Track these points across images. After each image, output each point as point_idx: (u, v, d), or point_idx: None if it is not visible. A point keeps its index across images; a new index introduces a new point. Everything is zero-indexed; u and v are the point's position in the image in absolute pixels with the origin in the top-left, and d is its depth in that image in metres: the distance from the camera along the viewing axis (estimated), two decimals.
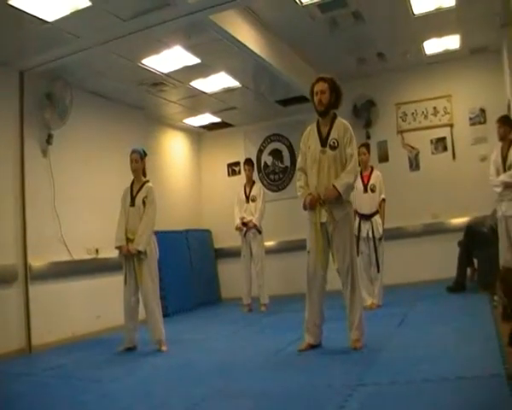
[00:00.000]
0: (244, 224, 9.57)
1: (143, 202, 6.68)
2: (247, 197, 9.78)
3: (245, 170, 10.05)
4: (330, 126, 5.57)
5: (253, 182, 10.00)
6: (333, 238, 5.43)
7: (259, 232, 9.60)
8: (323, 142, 5.51)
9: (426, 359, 4.61)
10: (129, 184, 6.92)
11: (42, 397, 4.80)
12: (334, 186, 5.32)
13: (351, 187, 5.46)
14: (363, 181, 8.09)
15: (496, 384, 3.60)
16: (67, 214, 8.13)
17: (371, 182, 8.14)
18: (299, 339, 5.77)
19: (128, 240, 6.67)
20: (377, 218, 8.08)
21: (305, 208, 5.50)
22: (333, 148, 5.46)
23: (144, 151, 6.95)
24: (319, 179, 5.45)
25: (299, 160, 5.75)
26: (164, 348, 6.51)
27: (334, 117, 5.63)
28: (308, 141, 5.64)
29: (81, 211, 8.41)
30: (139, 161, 6.84)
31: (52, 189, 7.98)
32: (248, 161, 10.12)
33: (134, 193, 6.80)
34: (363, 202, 8.04)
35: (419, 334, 5.73)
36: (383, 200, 8.17)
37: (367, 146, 8.37)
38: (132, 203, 6.74)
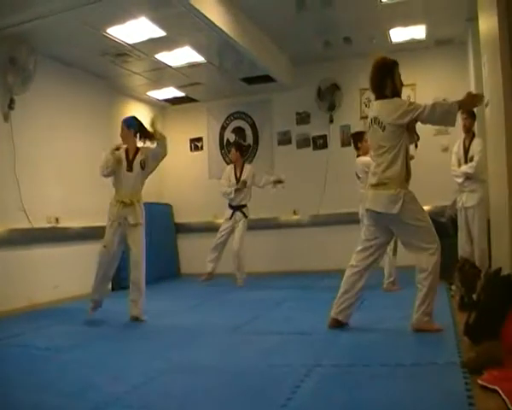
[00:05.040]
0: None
1: (141, 166, 6.63)
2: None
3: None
4: None
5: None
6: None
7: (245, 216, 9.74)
8: None
9: (383, 343, 4.72)
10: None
11: None
12: None
13: None
14: None
15: (451, 372, 3.69)
16: (28, 181, 8.04)
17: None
18: (256, 318, 5.83)
19: (123, 203, 6.58)
20: None
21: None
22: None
23: (132, 120, 6.84)
24: None
25: None
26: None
27: None
28: None
29: (42, 179, 8.32)
30: (124, 130, 6.75)
31: (13, 154, 7.88)
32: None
33: (130, 157, 6.71)
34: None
35: (377, 318, 5.79)
36: None
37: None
38: (130, 168, 6.65)
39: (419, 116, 5.10)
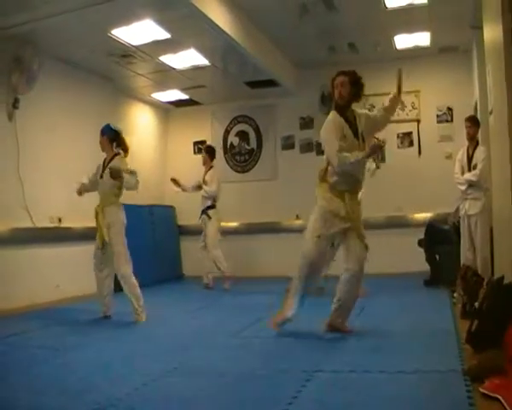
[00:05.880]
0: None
1: (110, 174, 6.66)
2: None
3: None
4: (355, 119, 5.52)
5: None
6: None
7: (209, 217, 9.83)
8: (356, 134, 5.47)
9: (384, 350, 4.71)
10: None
11: None
12: None
13: None
14: None
15: (452, 380, 3.68)
16: (31, 181, 8.06)
17: None
18: (258, 321, 5.84)
19: (96, 213, 6.75)
20: None
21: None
22: (363, 141, 5.48)
23: (108, 127, 6.98)
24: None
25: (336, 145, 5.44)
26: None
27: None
28: (343, 131, 5.48)
29: (46, 179, 8.32)
30: (100, 138, 6.93)
31: (17, 153, 7.91)
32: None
33: (105, 164, 6.86)
34: None
35: (378, 325, 5.80)
36: None
37: None
38: (101, 175, 6.81)
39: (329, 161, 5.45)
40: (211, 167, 10.04)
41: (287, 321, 5.52)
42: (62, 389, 3.89)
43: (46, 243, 8.07)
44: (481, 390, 3.34)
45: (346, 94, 5.44)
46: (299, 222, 11.20)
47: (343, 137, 5.37)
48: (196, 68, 9.85)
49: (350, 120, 5.48)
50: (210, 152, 10.24)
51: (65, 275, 8.28)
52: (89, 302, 7.15)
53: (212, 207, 9.84)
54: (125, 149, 6.96)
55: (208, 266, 9.81)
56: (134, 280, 6.67)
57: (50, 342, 5.64)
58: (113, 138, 6.92)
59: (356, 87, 5.49)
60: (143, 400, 3.64)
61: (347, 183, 5.43)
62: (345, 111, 5.49)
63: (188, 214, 11.57)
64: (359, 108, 5.71)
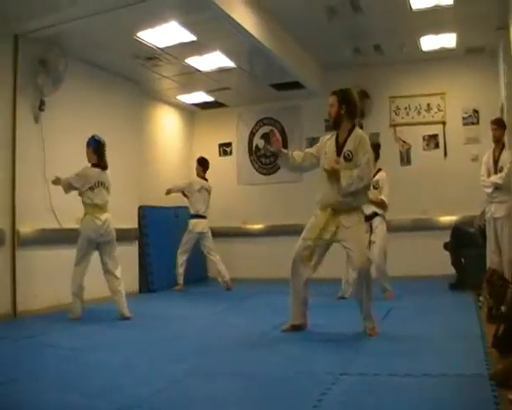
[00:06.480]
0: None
1: None
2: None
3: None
4: (346, 137, 5.64)
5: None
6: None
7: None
8: (339, 151, 5.63)
9: (409, 353, 4.69)
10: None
11: (22, 364, 4.79)
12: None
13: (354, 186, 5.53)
14: None
15: (478, 384, 3.64)
16: None
17: (375, 178, 7.84)
18: (284, 323, 5.86)
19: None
20: (377, 221, 8.01)
21: None
22: (347, 159, 5.57)
23: (92, 139, 7.24)
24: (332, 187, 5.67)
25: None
26: None
27: (352, 128, 5.69)
28: (325, 147, 5.81)
29: None
30: (86, 149, 7.24)
31: (43, 155, 7.94)
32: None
33: None
34: None
35: (403, 328, 5.79)
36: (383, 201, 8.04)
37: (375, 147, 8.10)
38: None
39: None
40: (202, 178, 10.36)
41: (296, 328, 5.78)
42: (86, 389, 3.91)
43: (72, 244, 8.07)
44: (510, 397, 3.28)
45: (334, 113, 5.70)
46: None
47: (323, 153, 5.82)
48: (222, 70, 9.86)
49: (339, 138, 5.69)
50: (200, 163, 10.53)
51: (90, 275, 8.26)
52: (113, 303, 7.19)
53: (196, 216, 10.15)
54: (99, 165, 7.22)
55: (221, 268, 9.90)
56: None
57: (75, 342, 5.68)
58: (96, 150, 7.17)
59: (347, 105, 5.66)
60: (167, 401, 3.64)
61: (326, 198, 5.87)
62: (337, 129, 5.74)
63: (213, 217, 11.58)
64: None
